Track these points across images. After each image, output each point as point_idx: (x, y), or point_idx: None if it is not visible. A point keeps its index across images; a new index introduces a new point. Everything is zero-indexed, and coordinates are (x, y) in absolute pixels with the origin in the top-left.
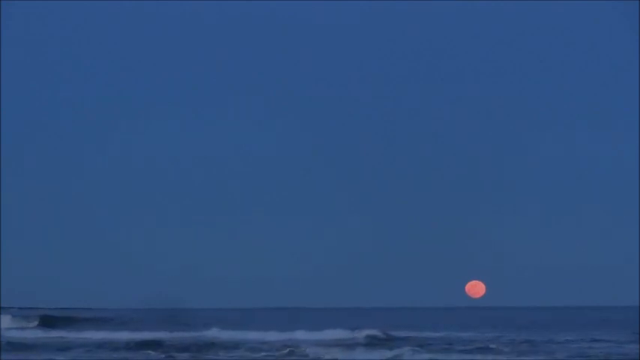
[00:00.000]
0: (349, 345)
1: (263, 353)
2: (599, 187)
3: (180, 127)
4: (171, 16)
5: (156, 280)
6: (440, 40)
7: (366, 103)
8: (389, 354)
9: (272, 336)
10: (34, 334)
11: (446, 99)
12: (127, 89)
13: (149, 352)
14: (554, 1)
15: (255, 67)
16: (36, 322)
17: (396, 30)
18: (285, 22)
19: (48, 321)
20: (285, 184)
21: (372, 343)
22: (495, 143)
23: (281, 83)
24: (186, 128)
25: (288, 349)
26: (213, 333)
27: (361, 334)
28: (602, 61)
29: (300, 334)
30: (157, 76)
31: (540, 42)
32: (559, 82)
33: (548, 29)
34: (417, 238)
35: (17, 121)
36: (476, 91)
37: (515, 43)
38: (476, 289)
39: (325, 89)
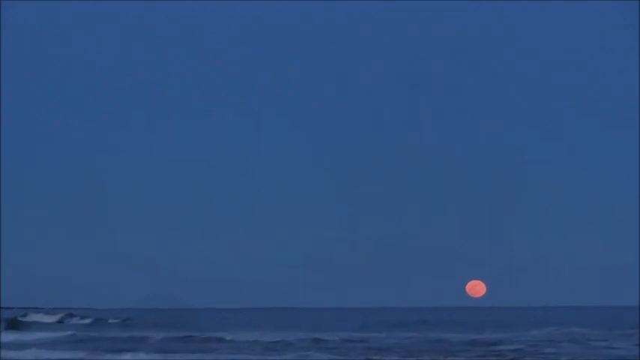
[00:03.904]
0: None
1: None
2: (599, 187)
3: (179, 128)
4: (171, 17)
5: (154, 281)
6: (441, 40)
7: (365, 101)
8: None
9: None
10: None
11: (447, 98)
12: (127, 90)
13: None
14: (554, 1)
15: (247, 69)
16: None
17: (396, 31)
18: (287, 22)
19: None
20: (285, 184)
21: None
22: (496, 143)
23: (281, 82)
24: (185, 130)
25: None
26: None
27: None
28: (603, 61)
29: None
30: (156, 76)
31: (540, 42)
32: (559, 82)
33: (548, 29)
34: (417, 238)
35: (17, 121)
36: (476, 92)
37: (516, 43)
38: (476, 288)
39: (325, 89)
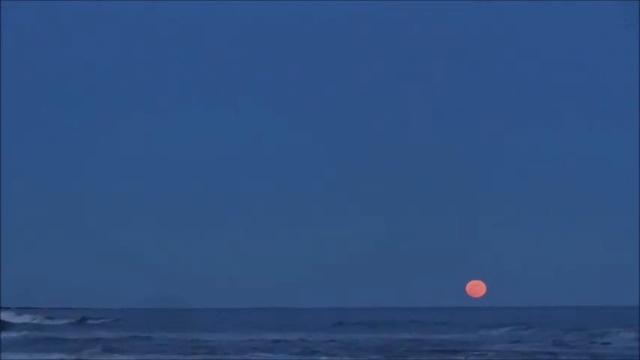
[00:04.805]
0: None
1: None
2: (599, 187)
3: (179, 128)
4: (171, 17)
5: (153, 280)
6: (441, 40)
7: (366, 102)
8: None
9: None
10: None
11: (447, 97)
12: (126, 89)
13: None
14: (554, 1)
15: (253, 66)
16: None
17: (396, 31)
18: (287, 22)
19: None
20: (284, 184)
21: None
22: (496, 143)
23: (281, 82)
24: (185, 129)
25: None
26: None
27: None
28: (603, 61)
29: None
30: (156, 76)
31: (540, 42)
32: (559, 82)
33: (548, 29)
34: (417, 238)
35: (17, 121)
36: (476, 92)
37: (516, 43)
38: (476, 288)
39: (325, 89)
